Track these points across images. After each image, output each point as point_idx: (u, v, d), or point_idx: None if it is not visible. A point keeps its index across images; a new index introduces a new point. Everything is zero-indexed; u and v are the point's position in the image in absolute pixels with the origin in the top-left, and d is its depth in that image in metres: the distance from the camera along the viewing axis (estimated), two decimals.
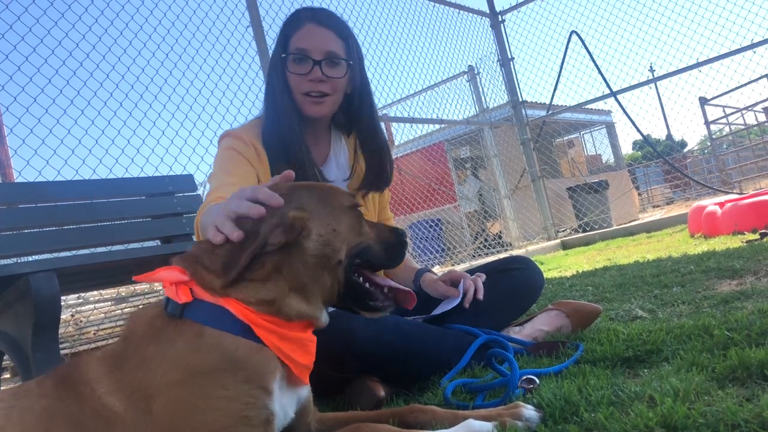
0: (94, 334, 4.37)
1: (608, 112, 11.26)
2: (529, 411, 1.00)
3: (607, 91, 6.48)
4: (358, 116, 1.74)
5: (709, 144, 11.91)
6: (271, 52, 1.72)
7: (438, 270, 1.70)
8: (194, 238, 1.48)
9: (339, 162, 1.78)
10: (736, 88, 7.64)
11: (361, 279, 1.10)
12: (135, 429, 0.88)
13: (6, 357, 1.96)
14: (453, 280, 1.70)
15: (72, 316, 4.55)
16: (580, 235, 6.43)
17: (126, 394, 0.90)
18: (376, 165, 1.74)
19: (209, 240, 0.99)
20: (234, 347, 0.91)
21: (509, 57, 7.03)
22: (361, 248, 1.08)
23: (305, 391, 1.04)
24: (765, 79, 7.65)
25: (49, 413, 0.91)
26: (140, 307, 1.16)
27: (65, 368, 0.98)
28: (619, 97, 6.44)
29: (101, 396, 0.91)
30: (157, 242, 2.61)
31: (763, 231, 3.27)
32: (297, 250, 0.98)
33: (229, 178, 1.51)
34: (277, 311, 0.96)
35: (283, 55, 1.61)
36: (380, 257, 1.11)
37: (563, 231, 7.22)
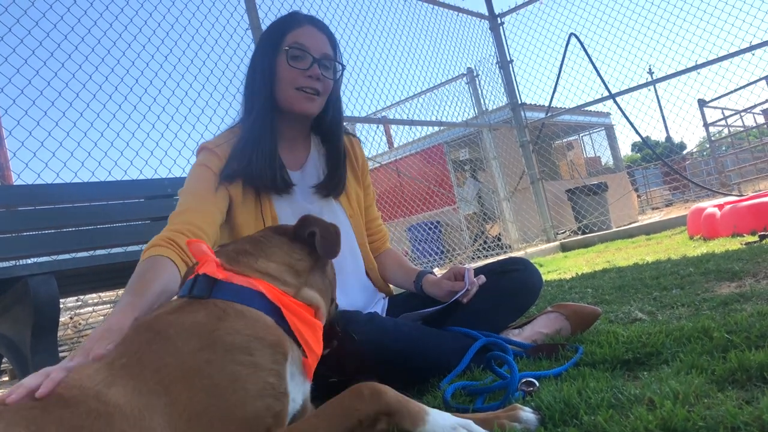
0: None
1: (607, 115, 11.28)
2: (526, 413, 1.00)
3: (606, 94, 6.49)
4: (330, 126, 1.78)
5: (708, 146, 11.92)
6: (258, 45, 1.73)
7: (437, 272, 1.70)
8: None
9: (316, 168, 1.79)
10: (735, 90, 7.66)
11: None
12: (141, 417, 0.79)
13: (5, 359, 1.96)
14: (456, 274, 1.70)
15: (71, 318, 4.55)
16: (579, 237, 6.43)
17: (131, 377, 0.83)
18: (335, 175, 1.78)
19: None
20: (258, 317, 0.96)
21: (508, 59, 7.04)
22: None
23: (308, 387, 1.05)
24: (764, 81, 7.66)
25: (37, 425, 0.77)
26: None
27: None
28: (618, 99, 6.45)
29: (97, 392, 0.81)
30: None
31: (762, 233, 3.27)
32: (322, 268, 1.21)
33: (191, 200, 1.52)
34: (296, 293, 1.08)
35: (286, 48, 1.63)
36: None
37: (562, 233, 7.22)
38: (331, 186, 1.76)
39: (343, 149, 1.81)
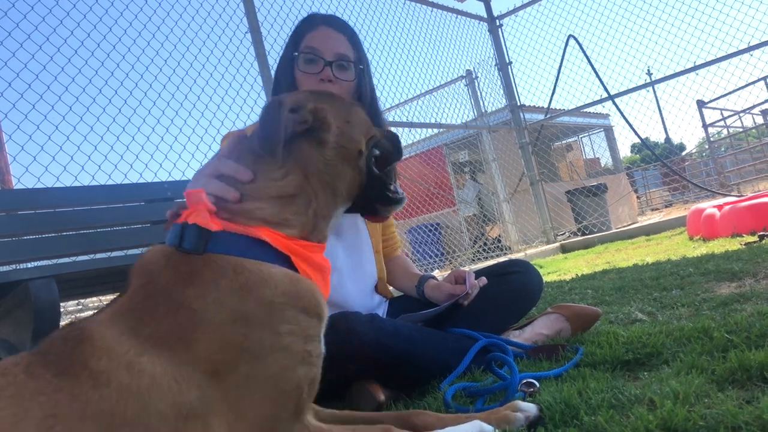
0: None
1: (606, 116, 11.29)
2: (526, 404, 1.03)
3: (605, 95, 6.50)
4: None
5: (707, 147, 11.93)
6: (282, 52, 1.72)
7: (438, 274, 1.70)
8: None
9: None
10: (734, 91, 7.67)
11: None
12: (179, 390, 0.75)
13: None
14: (457, 278, 1.70)
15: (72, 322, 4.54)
16: (579, 238, 6.43)
17: (162, 349, 0.77)
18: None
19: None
20: (283, 276, 0.88)
21: (507, 61, 7.05)
22: (376, 140, 1.12)
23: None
24: (762, 81, 7.68)
25: (56, 416, 0.69)
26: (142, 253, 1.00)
27: (60, 345, 0.78)
28: (617, 100, 6.46)
29: (129, 362, 0.74)
30: None
31: (761, 233, 3.28)
32: (319, 146, 1.00)
33: None
34: (303, 232, 0.96)
35: (295, 54, 1.62)
36: (389, 149, 1.16)
37: (562, 234, 7.22)
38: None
39: None
